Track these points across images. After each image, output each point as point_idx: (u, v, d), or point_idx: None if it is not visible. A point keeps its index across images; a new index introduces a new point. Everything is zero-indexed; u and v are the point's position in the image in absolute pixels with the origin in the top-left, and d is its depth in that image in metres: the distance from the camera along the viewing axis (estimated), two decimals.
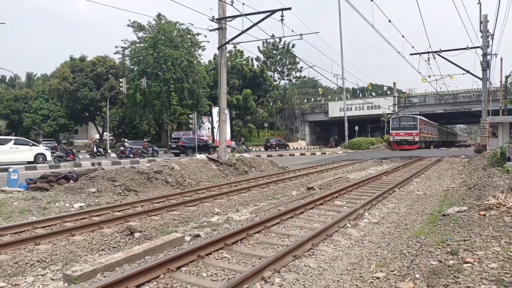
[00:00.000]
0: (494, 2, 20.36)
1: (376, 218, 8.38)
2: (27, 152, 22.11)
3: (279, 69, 69.82)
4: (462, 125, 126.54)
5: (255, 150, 45.54)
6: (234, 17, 17.44)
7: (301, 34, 18.52)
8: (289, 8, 16.22)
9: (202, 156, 18.24)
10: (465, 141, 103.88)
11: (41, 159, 22.47)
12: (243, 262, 5.54)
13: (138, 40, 44.22)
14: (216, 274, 5.08)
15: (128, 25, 43.36)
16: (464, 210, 7.16)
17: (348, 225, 7.66)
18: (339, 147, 53.39)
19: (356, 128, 57.83)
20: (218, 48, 17.98)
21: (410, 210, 9.20)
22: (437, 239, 5.59)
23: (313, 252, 5.94)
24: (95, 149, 29.86)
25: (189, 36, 44.64)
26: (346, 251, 6.06)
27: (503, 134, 23.42)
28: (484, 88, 26.82)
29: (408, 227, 7.51)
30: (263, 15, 16.65)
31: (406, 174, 16.27)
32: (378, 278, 4.62)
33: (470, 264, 4.29)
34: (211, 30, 17.96)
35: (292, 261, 5.46)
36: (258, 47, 66.67)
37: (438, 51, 24.20)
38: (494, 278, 3.91)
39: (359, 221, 8.05)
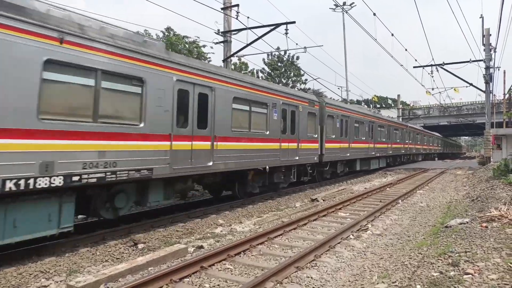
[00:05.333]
0: (495, 15, 20.55)
1: (379, 230, 8.39)
2: None
3: (284, 81, 70.07)
4: (466, 137, 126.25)
5: None
6: (239, 30, 17.59)
7: (305, 47, 18.78)
8: (293, 22, 16.42)
9: None
10: (465, 152, 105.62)
11: None
12: (245, 274, 5.57)
13: None
14: (218, 285, 5.12)
15: None
16: (467, 222, 7.16)
17: (351, 236, 7.68)
18: None
19: None
20: (223, 61, 18.12)
21: (413, 222, 9.20)
22: (439, 250, 5.60)
23: (316, 263, 5.97)
24: None
25: (195, 49, 45.19)
26: (348, 263, 6.08)
27: (507, 146, 23.38)
28: (487, 101, 26.83)
29: (410, 238, 7.52)
30: (268, 29, 16.80)
31: (410, 186, 16.24)
32: None
33: (470, 275, 4.30)
34: (216, 43, 18.11)
35: (295, 272, 5.49)
36: (263, 59, 66.83)
37: (441, 64, 24.32)
38: None
39: (362, 232, 8.06)
